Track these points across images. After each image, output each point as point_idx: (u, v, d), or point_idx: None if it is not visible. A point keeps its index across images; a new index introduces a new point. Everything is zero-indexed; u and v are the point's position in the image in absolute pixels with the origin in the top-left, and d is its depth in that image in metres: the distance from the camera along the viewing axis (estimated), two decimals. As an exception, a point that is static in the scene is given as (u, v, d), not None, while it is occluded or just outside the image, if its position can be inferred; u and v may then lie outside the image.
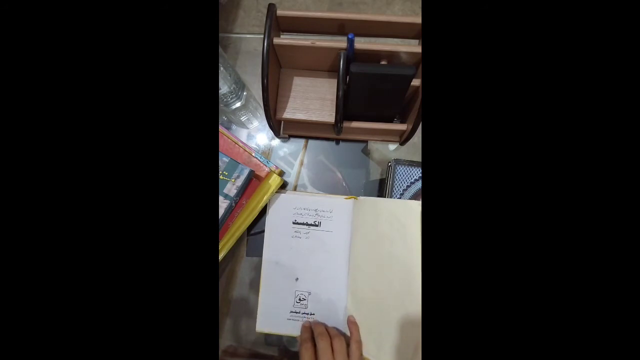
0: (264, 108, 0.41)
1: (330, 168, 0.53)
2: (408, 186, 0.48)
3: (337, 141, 0.53)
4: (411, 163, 0.48)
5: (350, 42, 0.37)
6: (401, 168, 0.48)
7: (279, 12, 0.39)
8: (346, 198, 0.49)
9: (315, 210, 0.49)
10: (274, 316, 0.47)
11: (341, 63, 0.38)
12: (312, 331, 0.42)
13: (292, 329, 0.46)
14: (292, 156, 0.53)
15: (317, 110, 0.45)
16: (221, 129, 0.50)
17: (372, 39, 0.42)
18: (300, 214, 0.49)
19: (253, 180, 0.48)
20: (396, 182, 0.48)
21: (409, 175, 0.48)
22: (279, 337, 0.48)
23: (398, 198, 0.48)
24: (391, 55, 0.39)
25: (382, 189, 0.51)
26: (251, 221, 0.48)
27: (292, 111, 0.46)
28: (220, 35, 0.56)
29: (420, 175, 0.48)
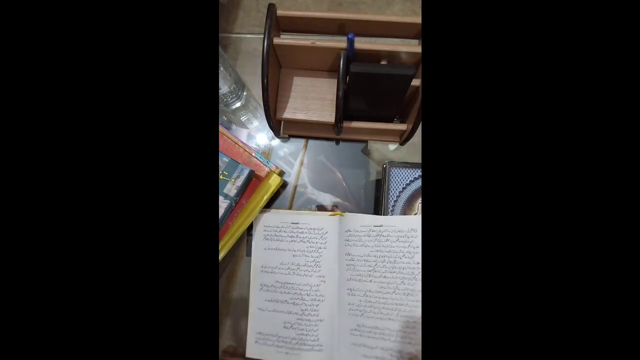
0: (264, 108, 0.41)
1: (330, 168, 0.53)
2: (404, 187, 0.48)
3: (337, 141, 0.53)
4: (405, 164, 0.48)
5: (350, 42, 0.37)
6: (396, 170, 0.48)
7: (279, 12, 0.39)
8: (331, 215, 0.49)
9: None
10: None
11: (341, 63, 0.38)
12: None
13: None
14: (292, 156, 0.53)
15: (317, 110, 0.45)
16: (221, 129, 0.50)
17: (372, 39, 0.42)
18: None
19: (253, 180, 0.48)
20: (392, 184, 0.48)
21: (404, 177, 0.48)
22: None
23: (395, 200, 0.47)
24: (391, 55, 0.39)
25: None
26: (251, 221, 0.48)
27: (292, 111, 0.46)
28: (220, 35, 0.56)
29: (417, 176, 0.48)
